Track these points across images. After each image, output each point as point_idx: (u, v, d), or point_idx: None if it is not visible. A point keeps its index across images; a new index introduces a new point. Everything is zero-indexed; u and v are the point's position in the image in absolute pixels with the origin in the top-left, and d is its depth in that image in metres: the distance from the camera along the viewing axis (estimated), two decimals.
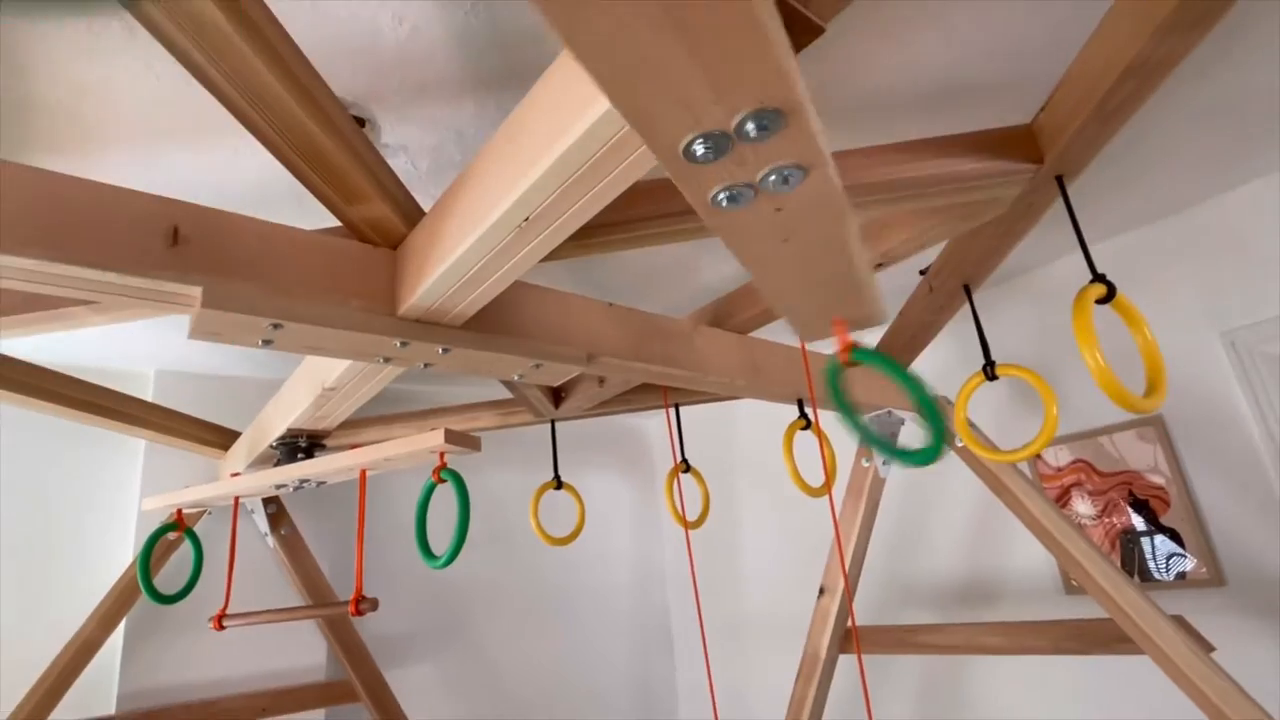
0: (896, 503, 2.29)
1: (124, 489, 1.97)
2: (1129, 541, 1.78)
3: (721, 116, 0.45)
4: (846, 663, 2.37)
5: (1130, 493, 1.79)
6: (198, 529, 1.90)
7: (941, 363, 2.16)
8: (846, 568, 1.87)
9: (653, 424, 3.35)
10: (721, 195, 0.52)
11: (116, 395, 1.65)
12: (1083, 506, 1.87)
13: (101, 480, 1.95)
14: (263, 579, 2.01)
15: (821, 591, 1.92)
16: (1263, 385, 1.62)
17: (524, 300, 1.06)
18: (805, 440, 2.30)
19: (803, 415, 1.51)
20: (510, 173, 0.69)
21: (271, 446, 1.43)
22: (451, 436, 1.20)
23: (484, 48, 0.98)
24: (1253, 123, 1.40)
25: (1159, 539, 1.73)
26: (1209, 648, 1.34)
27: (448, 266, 0.80)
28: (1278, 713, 1.52)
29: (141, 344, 1.89)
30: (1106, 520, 1.82)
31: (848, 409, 0.84)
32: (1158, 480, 1.75)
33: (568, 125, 0.61)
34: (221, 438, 1.87)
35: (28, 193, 0.72)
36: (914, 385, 0.81)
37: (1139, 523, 1.77)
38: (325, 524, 2.19)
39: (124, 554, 1.92)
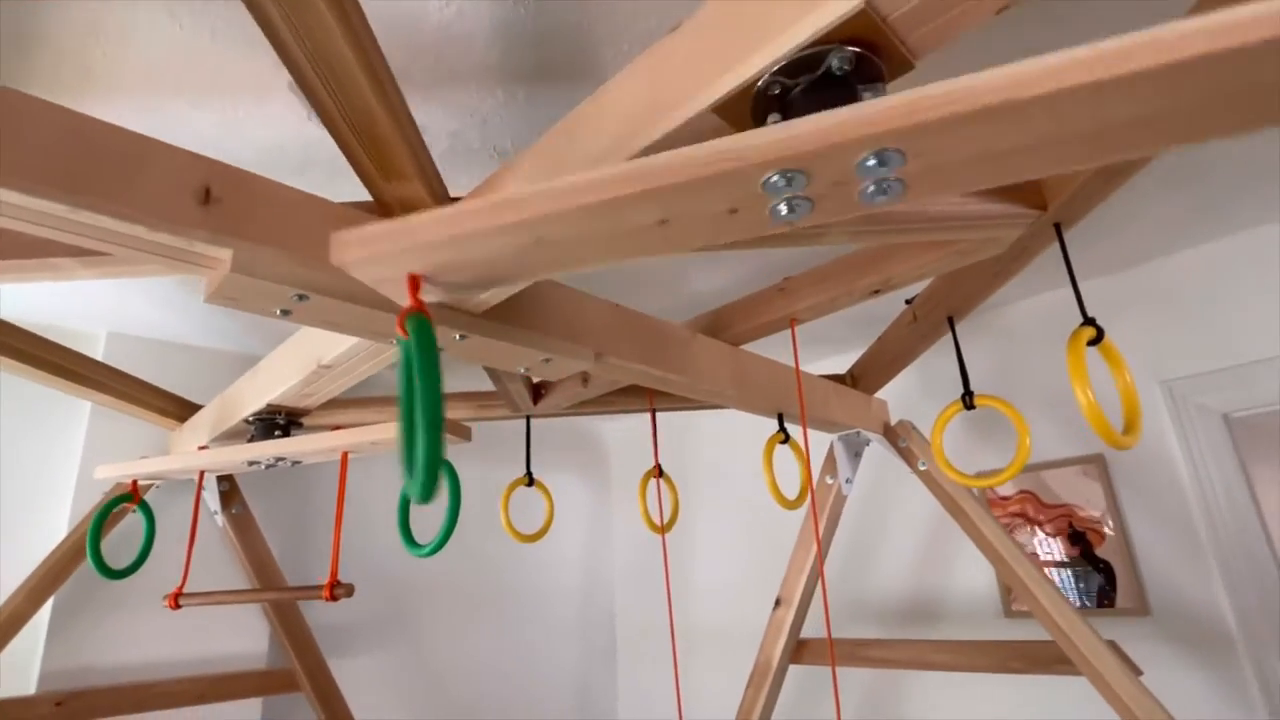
0: (849, 521, 2.37)
1: (63, 455, 1.85)
2: (1069, 569, 1.89)
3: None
4: (794, 672, 2.43)
5: (1070, 524, 1.91)
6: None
7: (904, 389, 2.25)
8: (804, 581, 1.92)
9: (609, 428, 3.36)
10: (782, 208, 0.55)
11: (70, 353, 1.56)
12: (1025, 535, 1.98)
13: (38, 444, 1.83)
14: (208, 558, 1.92)
15: (778, 603, 1.97)
16: (1195, 433, 1.75)
17: (541, 295, 1.06)
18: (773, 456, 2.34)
19: (782, 429, 1.55)
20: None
21: (247, 421, 1.38)
22: (453, 427, 1.19)
23: (524, 39, 0.99)
24: (1214, 189, 1.53)
25: (1091, 571, 1.85)
26: (1138, 671, 1.44)
27: None
28: None
29: (95, 302, 1.79)
30: (1049, 548, 1.94)
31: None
32: (1095, 514, 1.87)
33: (637, 132, 0.63)
34: (179, 408, 1.79)
35: (53, 130, 0.68)
36: None
37: (1076, 553, 1.89)
38: (273, 505, 2.11)
39: (58, 524, 1.80)
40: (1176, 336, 1.83)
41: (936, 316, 1.39)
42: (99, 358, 1.92)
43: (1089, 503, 1.89)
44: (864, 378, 1.81)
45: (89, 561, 1.44)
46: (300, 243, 0.82)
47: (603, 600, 3.08)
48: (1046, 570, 1.91)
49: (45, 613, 1.69)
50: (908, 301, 1.44)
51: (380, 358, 1.12)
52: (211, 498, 1.88)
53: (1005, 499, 2.03)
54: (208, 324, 1.93)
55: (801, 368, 1.66)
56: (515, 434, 2.91)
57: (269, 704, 2.03)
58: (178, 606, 1.37)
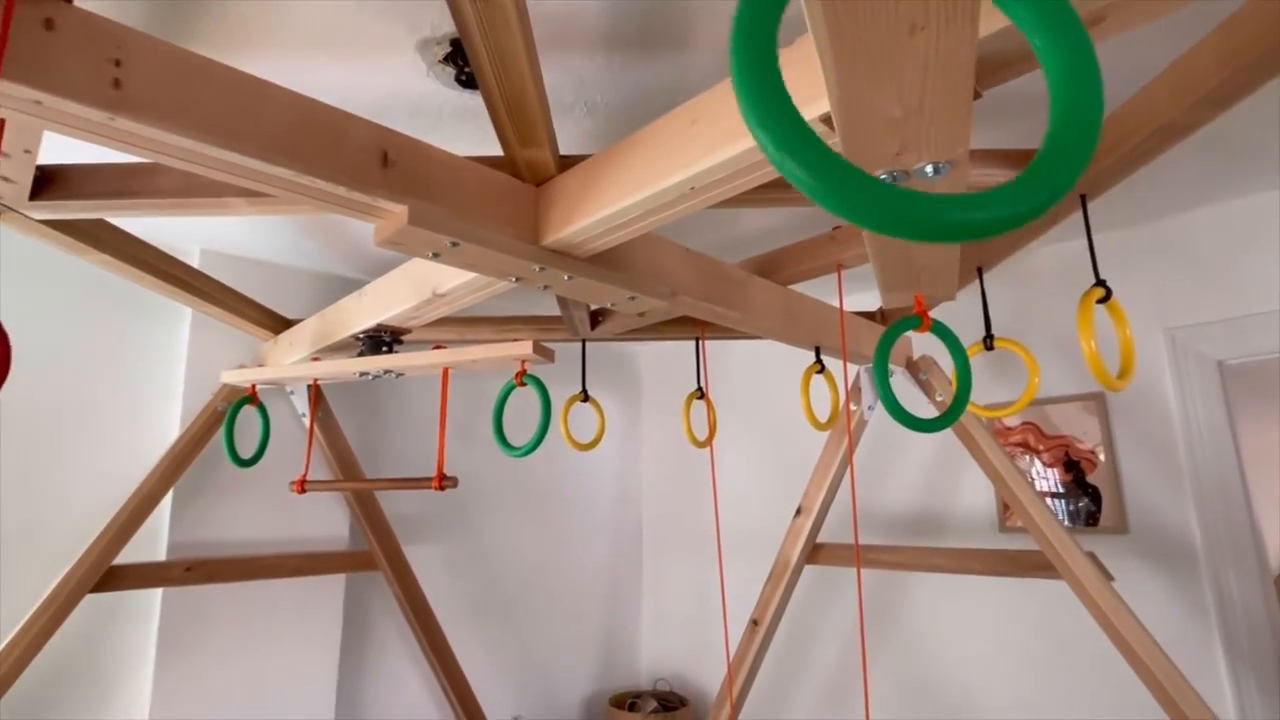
0: (864, 443, 2.60)
1: (172, 360, 2.08)
2: (1063, 492, 2.13)
3: (911, 162, 0.65)
4: (806, 573, 2.72)
5: (1066, 454, 2.13)
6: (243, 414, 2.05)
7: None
8: (823, 493, 2.17)
9: (642, 350, 3.57)
10: (883, 175, 0.72)
11: (181, 264, 1.74)
12: (1025, 462, 2.20)
13: (149, 350, 2.06)
14: (298, 456, 2.18)
15: (799, 511, 2.22)
16: (1190, 377, 1.94)
17: (633, 241, 1.23)
18: (787, 384, 2.54)
19: (818, 361, 1.75)
20: (692, 152, 0.86)
21: (355, 338, 1.58)
22: (537, 348, 1.39)
23: (636, 8, 1.11)
24: (1234, 156, 1.65)
25: (1081, 494, 2.08)
26: (1110, 577, 1.69)
27: (607, 213, 0.97)
28: (1159, 629, 1.92)
29: (193, 221, 1.96)
30: (1044, 474, 2.17)
31: (884, 369, 1.06)
32: (1089, 446, 2.09)
33: None
34: (274, 321, 1.99)
35: (281, 108, 0.85)
36: (964, 363, 1.04)
37: (1070, 478, 2.12)
38: (346, 411, 2.36)
39: (170, 418, 2.05)
40: (1183, 288, 1.99)
41: (966, 268, 1.55)
42: None
43: (1085, 435, 2.10)
44: (893, 315, 1.98)
45: (225, 452, 1.68)
46: (453, 198, 0.99)
47: (632, 506, 3.38)
48: (1041, 492, 2.15)
49: (167, 495, 1.96)
50: None
51: (487, 290, 1.31)
52: (301, 402, 2.12)
53: (1010, 429, 2.25)
54: (294, 245, 2.11)
55: (835, 304, 1.84)
56: (562, 355, 3.12)
57: (350, 580, 2.34)
58: (303, 491, 1.62)
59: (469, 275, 1.24)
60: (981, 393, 2.33)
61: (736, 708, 2.23)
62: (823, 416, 2.58)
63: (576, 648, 3.00)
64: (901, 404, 1.07)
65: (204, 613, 1.97)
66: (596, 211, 0.98)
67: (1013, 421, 2.25)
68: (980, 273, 1.54)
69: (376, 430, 2.52)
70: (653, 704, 2.79)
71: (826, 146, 0.36)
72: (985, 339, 1.47)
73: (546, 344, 2.19)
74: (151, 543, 1.97)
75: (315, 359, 1.67)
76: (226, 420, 1.66)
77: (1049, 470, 2.16)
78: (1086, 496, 2.08)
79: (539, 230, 1.08)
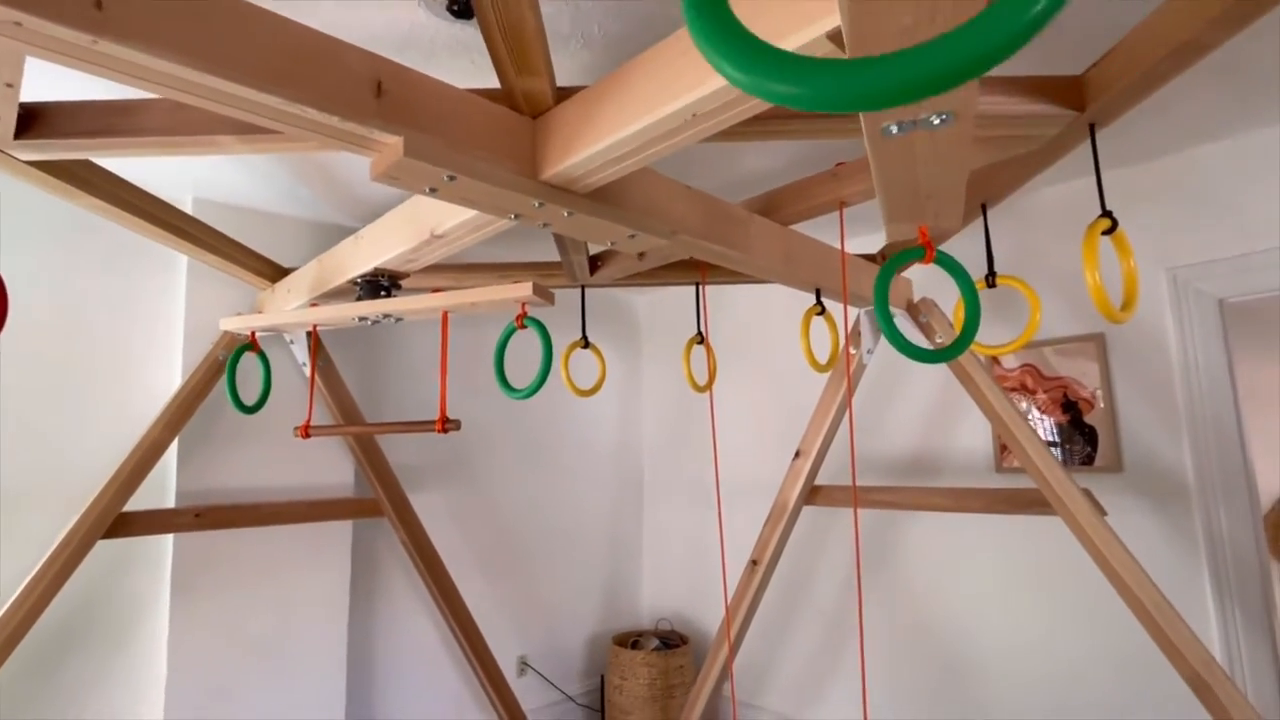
0: (864, 386, 2.62)
1: (170, 309, 2.07)
2: (1060, 432, 2.15)
3: (918, 113, 0.63)
4: (804, 512, 2.77)
5: (1064, 395, 2.15)
6: (248, 361, 2.05)
7: (928, 269, 2.42)
8: (822, 436, 2.19)
9: (641, 300, 3.56)
10: (893, 126, 0.70)
11: (175, 210, 1.72)
12: (1023, 404, 2.22)
13: (147, 300, 2.04)
14: (301, 405, 2.19)
15: (798, 454, 2.25)
16: (1190, 316, 1.94)
17: (631, 177, 1.21)
18: (789, 330, 2.52)
19: (819, 303, 1.74)
20: (691, 77, 0.84)
21: (353, 282, 1.57)
22: (537, 289, 1.38)
23: None
24: (1248, 85, 1.61)
25: (1078, 434, 2.11)
26: (1103, 512, 1.72)
27: (605, 145, 0.95)
28: (1150, 563, 1.97)
29: (184, 166, 1.92)
30: (1042, 414, 2.19)
31: (885, 300, 1.06)
32: (1087, 386, 2.10)
33: None
34: (270, 269, 1.97)
35: (271, 34, 0.82)
36: (972, 293, 1.03)
37: (1068, 419, 2.13)
38: (347, 360, 2.36)
39: (172, 367, 2.05)
40: (1187, 227, 1.97)
41: (970, 204, 1.53)
42: None
43: (1084, 376, 2.11)
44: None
45: (229, 399, 1.69)
46: (449, 129, 0.97)
47: (633, 452, 3.41)
48: (1046, 431, 2.17)
49: (173, 443, 1.98)
50: None
51: (486, 230, 1.29)
52: (300, 351, 2.12)
53: (1009, 371, 2.26)
54: (289, 192, 2.07)
55: (834, 246, 1.82)
56: (562, 303, 3.11)
57: (358, 527, 2.38)
58: (308, 436, 1.63)
59: (467, 214, 1.22)
60: (982, 333, 2.33)
61: (735, 645, 2.30)
62: (823, 359, 2.59)
63: (580, 590, 3.07)
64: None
65: (214, 558, 2.00)
66: (596, 142, 0.96)
67: (1011, 363, 2.26)
68: (984, 210, 1.52)
69: (378, 378, 2.52)
70: (654, 642, 2.87)
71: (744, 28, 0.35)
72: (987, 276, 1.46)
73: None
74: (159, 491, 1.99)
75: (314, 305, 1.66)
76: (228, 367, 1.66)
77: (1046, 412, 2.18)
78: (1083, 437, 2.10)
79: (538, 164, 1.06)
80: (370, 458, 2.22)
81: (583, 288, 2.09)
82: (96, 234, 1.98)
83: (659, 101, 0.87)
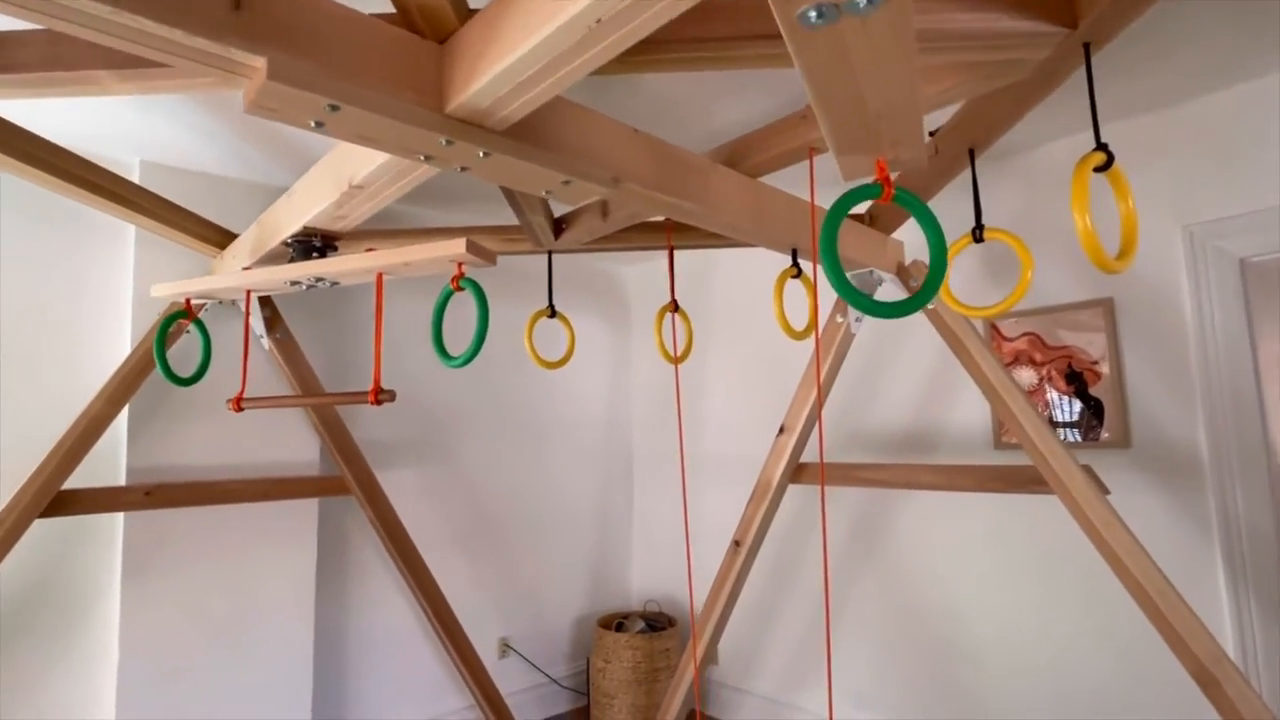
0: (856, 358, 2.47)
1: (119, 279, 1.98)
2: (1063, 405, 2.00)
3: None
4: (791, 493, 2.65)
5: (1069, 365, 1.99)
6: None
7: (916, 228, 2.26)
8: (806, 411, 2.06)
9: (630, 271, 3.42)
10: (811, 11, 0.57)
11: (116, 178, 1.62)
12: (1025, 374, 2.07)
13: (95, 269, 1.95)
14: (258, 377, 2.09)
15: (782, 430, 2.12)
16: (1208, 276, 1.77)
17: (561, 115, 1.08)
18: (790, 293, 2.39)
19: (795, 264, 1.60)
20: None
21: (285, 244, 1.46)
22: (472, 247, 1.26)
23: None
24: (1269, 20, 1.44)
25: (1083, 407, 1.95)
26: (1105, 491, 1.58)
27: (507, 65, 0.82)
28: (1158, 545, 1.83)
29: (127, 128, 1.82)
30: (1044, 387, 2.04)
31: (833, 256, 0.91)
32: (1094, 356, 1.95)
33: None
34: (217, 235, 1.87)
35: None
36: (937, 236, 0.90)
37: (1071, 390, 1.98)
38: (315, 332, 2.26)
39: (121, 339, 1.96)
40: (1205, 180, 1.80)
41: (958, 148, 1.38)
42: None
43: (1090, 345, 1.96)
44: (881, 217, 1.82)
45: (159, 369, 1.59)
46: (331, 52, 0.84)
47: (622, 430, 3.30)
48: (1040, 406, 2.02)
49: (124, 419, 1.89)
50: (930, 134, 1.43)
51: (408, 179, 1.17)
52: (257, 323, 2.02)
53: (1009, 339, 2.11)
54: (236, 152, 1.96)
55: (821, 206, 1.68)
56: (543, 274, 2.99)
57: (328, 506, 2.30)
58: (240, 409, 1.53)
59: (381, 160, 1.10)
60: (975, 295, 2.18)
61: (719, 627, 2.19)
62: (800, 326, 2.45)
63: (567, 571, 2.98)
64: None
65: (170, 537, 1.93)
66: (496, 63, 0.83)
67: (1012, 331, 2.11)
68: (972, 156, 1.37)
69: (346, 349, 2.43)
70: (640, 624, 2.78)
71: None
72: (974, 230, 1.32)
73: (514, 254, 2.05)
74: (112, 468, 1.92)
75: (246, 269, 1.55)
76: (157, 335, 1.56)
77: (1049, 382, 2.03)
78: (1088, 410, 1.95)
79: (444, 95, 0.94)
80: (333, 433, 2.12)
81: (550, 254, 1.96)
82: (39, 202, 1.88)
83: (559, 8, 0.74)
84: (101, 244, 1.97)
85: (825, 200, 2.50)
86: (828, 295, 2.43)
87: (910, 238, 2.30)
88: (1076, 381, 1.98)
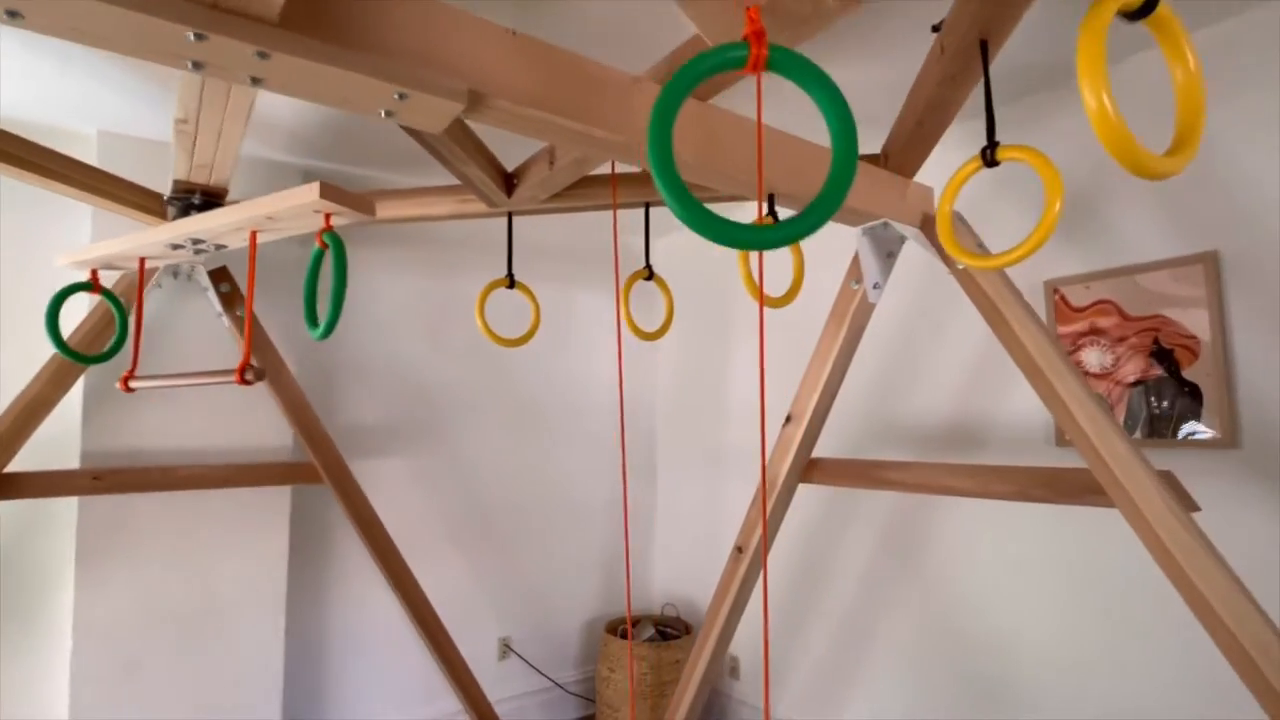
0: (890, 336, 2.10)
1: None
2: (1143, 393, 1.57)
3: None
4: (815, 494, 2.31)
5: (1155, 340, 1.56)
6: (153, 299, 1.86)
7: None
8: (817, 396, 1.73)
9: (657, 245, 3.13)
10: None
11: (55, 155, 1.51)
12: (1095, 354, 1.64)
13: (49, 243, 1.89)
14: (219, 356, 1.98)
15: (788, 419, 1.80)
16: None
17: (383, 5, 0.83)
18: (815, 266, 2.04)
19: (772, 213, 1.28)
20: None
21: (166, 201, 1.29)
22: (328, 192, 1.03)
23: None
24: None
25: (1176, 395, 1.52)
26: (1192, 507, 1.18)
27: None
28: (1267, 578, 1.39)
29: (82, 99, 1.72)
30: (1123, 368, 1.61)
31: (664, 153, 0.61)
32: (1189, 328, 1.50)
33: None
34: (158, 204, 1.75)
35: None
36: (837, 111, 0.59)
37: (1157, 373, 1.55)
38: (284, 307, 2.13)
39: (75, 316, 1.89)
40: None
41: (968, 43, 1.02)
42: (93, 157, 1.90)
43: (1185, 314, 1.52)
44: (896, 154, 1.46)
45: (54, 346, 1.47)
46: None
47: (644, 416, 3.04)
48: (1123, 391, 1.60)
49: (80, 399, 1.82)
50: (935, 29, 1.07)
51: (230, 108, 0.95)
52: (213, 300, 1.89)
53: (1077, 309, 1.68)
54: None
55: (790, 134, 1.34)
56: (556, 243, 2.76)
57: (306, 494, 2.18)
58: (129, 389, 1.39)
59: (194, 87, 0.89)
60: (1045, 260, 1.77)
61: (722, 641, 1.91)
62: (778, 291, 2.08)
63: (578, 569, 2.76)
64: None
65: (128, 524, 1.84)
66: None
67: (1079, 299, 1.68)
68: (984, 50, 1.01)
69: (341, 328, 2.29)
70: (650, 631, 2.53)
71: None
72: (985, 150, 0.96)
73: (470, 218, 1.82)
74: (71, 452, 1.85)
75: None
76: (49, 306, 1.44)
77: (1129, 363, 1.59)
78: (1182, 398, 1.51)
79: None
80: (299, 417, 1.98)
81: (509, 215, 1.72)
82: None
83: None
84: (57, 219, 1.90)
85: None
86: (840, 256, 2.06)
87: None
88: (1166, 361, 1.54)
